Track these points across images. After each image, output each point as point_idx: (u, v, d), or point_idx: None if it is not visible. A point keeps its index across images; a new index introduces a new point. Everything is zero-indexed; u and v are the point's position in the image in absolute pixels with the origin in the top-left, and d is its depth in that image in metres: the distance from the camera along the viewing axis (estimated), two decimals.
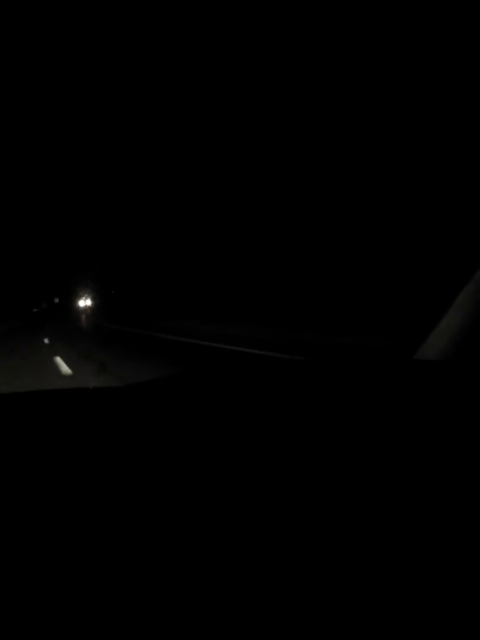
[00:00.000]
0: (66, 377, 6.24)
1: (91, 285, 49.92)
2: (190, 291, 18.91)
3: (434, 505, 0.50)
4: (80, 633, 0.33)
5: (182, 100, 18.68)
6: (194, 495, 0.55)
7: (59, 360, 7.65)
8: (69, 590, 0.38)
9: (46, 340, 12.30)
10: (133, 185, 27.50)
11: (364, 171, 10.56)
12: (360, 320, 8.15)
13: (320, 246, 11.87)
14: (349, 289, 10.22)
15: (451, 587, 0.38)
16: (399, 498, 0.51)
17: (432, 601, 0.37)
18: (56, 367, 7.03)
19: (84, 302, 51.64)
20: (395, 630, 0.34)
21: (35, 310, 53.05)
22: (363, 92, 10.32)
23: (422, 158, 9.14)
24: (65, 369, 6.81)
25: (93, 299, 49.85)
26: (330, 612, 0.36)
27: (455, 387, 0.92)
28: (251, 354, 7.12)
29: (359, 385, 1.04)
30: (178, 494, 0.55)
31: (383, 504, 0.51)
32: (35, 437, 0.81)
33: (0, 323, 22.44)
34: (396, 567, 0.41)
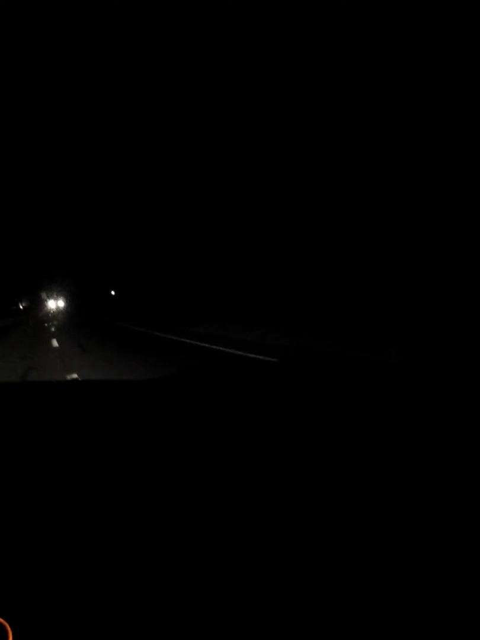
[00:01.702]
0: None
1: (69, 282, 44.56)
2: (194, 294, 18.47)
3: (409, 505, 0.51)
4: (82, 631, 0.33)
5: (180, 99, 18.60)
6: (185, 494, 0.54)
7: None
8: (70, 587, 0.37)
9: None
10: (129, 189, 26.97)
11: (367, 175, 10.52)
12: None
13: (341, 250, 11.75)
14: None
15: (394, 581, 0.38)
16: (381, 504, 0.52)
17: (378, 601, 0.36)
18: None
19: (55, 303, 40.83)
20: (383, 628, 0.34)
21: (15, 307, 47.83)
22: (363, 93, 10.27)
23: (420, 162, 9.11)
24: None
25: (67, 299, 42.25)
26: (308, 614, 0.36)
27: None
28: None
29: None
30: (169, 493, 0.55)
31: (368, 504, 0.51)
32: (34, 430, 0.80)
33: None
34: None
